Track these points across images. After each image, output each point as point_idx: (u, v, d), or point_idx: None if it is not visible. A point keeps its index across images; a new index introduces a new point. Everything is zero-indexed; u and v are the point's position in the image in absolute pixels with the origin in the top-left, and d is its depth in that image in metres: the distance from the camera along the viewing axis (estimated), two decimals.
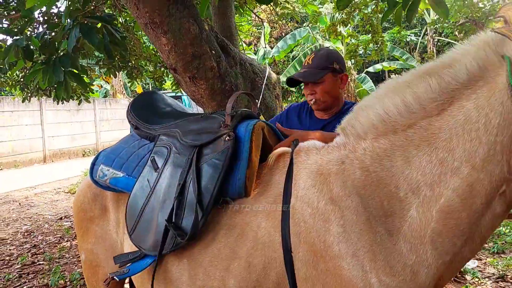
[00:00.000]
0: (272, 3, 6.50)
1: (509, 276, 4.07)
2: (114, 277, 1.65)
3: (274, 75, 3.60)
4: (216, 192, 1.47)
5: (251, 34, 13.81)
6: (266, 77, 3.45)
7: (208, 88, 3.07)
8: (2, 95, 15.83)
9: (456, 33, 9.03)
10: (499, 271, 4.12)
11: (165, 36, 2.84)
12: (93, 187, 1.87)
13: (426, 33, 15.34)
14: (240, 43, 8.32)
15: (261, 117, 2.65)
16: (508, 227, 5.14)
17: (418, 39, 16.38)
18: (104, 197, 1.87)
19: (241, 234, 1.46)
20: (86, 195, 1.93)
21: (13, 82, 7.31)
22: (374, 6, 7.45)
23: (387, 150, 1.29)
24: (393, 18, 3.05)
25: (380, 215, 1.27)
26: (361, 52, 9.54)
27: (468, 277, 4.06)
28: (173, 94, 10.09)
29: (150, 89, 19.31)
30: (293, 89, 17.72)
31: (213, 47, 3.03)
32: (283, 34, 17.61)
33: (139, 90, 19.14)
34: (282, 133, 1.76)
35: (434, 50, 14.68)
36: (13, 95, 14.77)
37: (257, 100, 3.11)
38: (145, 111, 1.84)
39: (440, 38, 13.48)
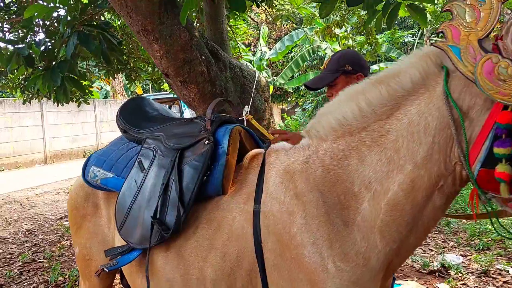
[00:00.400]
0: (267, 6, 6.65)
1: (492, 272, 4.22)
2: (105, 269, 1.81)
3: (263, 79, 3.76)
4: (196, 190, 1.62)
5: (250, 35, 13.98)
6: (255, 81, 3.60)
7: (199, 92, 3.23)
8: (3, 97, 16.01)
9: None
10: (482, 267, 4.27)
11: (157, 43, 2.99)
12: (86, 186, 2.03)
13: (423, 34, 15.47)
14: (237, 45, 8.48)
15: (253, 120, 2.81)
16: (495, 225, 5.28)
17: (415, 39, 16.51)
18: (96, 196, 2.03)
19: (218, 227, 1.62)
20: (79, 194, 2.09)
21: (14, 85, 7.48)
22: None
23: (344, 151, 1.44)
24: (373, 25, 3.21)
25: (338, 208, 1.42)
26: None
27: (452, 272, 4.21)
28: (171, 95, 10.23)
29: (150, 90, 19.47)
30: (290, 90, 17.88)
31: (203, 52, 3.19)
32: (282, 35, 17.77)
33: (139, 91, 19.30)
34: (261, 138, 1.91)
35: None
36: (14, 97, 14.96)
37: (247, 106, 3.27)
38: (133, 116, 1.99)
39: (438, 39, 13.60)
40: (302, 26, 11.98)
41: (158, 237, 1.64)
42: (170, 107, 12.17)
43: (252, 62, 13.24)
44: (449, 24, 1.23)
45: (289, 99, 21.42)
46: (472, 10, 1.20)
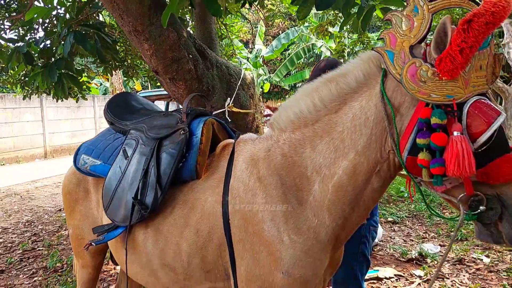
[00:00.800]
0: (259, 5, 6.86)
1: (466, 260, 4.45)
2: (92, 243, 2.04)
3: (248, 77, 3.97)
4: (172, 175, 1.84)
5: (247, 32, 14.20)
6: (241, 78, 3.83)
7: (187, 88, 3.44)
8: (4, 92, 16.23)
9: None
10: (458, 256, 4.51)
11: (147, 43, 3.21)
12: (77, 173, 2.25)
13: None
14: (231, 43, 8.69)
15: (233, 108, 3.03)
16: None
17: None
18: (86, 182, 2.25)
19: (192, 207, 1.84)
20: (71, 180, 2.31)
21: (14, 80, 7.69)
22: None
23: (300, 140, 1.66)
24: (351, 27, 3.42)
25: (293, 189, 1.64)
26: (348, 50, 9.92)
27: (428, 260, 4.44)
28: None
29: (149, 87, 19.69)
30: (287, 87, 18.09)
31: (190, 51, 3.40)
32: (280, 32, 17.95)
33: (138, 87, 19.51)
34: (233, 130, 2.13)
35: None
36: (15, 93, 15.19)
37: (229, 98, 3.49)
38: (119, 109, 2.21)
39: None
40: (298, 24, 12.19)
41: (138, 215, 1.87)
42: (168, 104, 12.37)
43: (249, 60, 13.43)
44: (388, 32, 1.45)
45: (286, 96, 21.64)
46: (407, 20, 1.41)
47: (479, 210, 1.35)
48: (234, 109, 2.92)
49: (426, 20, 1.37)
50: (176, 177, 1.87)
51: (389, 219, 5.92)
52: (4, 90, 16.77)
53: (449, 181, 1.37)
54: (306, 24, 12.44)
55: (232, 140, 1.95)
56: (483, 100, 1.30)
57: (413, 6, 1.40)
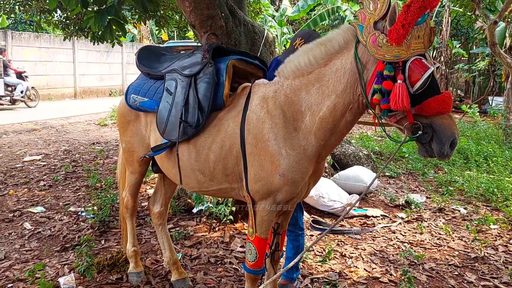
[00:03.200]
0: None
1: (446, 210, 5.14)
2: (146, 156, 2.78)
3: (270, 36, 4.59)
4: (212, 97, 2.49)
5: None
6: (264, 38, 4.45)
7: (218, 42, 4.09)
8: (38, 32, 16.92)
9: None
10: (439, 205, 5.20)
11: (188, 1, 3.85)
12: None
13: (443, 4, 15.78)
14: (258, 0, 9.15)
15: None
16: (461, 176, 6.18)
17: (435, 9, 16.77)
18: None
19: (219, 130, 2.53)
20: (125, 106, 3.01)
21: (56, 22, 8.37)
22: None
23: (298, 85, 2.32)
24: None
25: (291, 120, 2.32)
26: None
27: (412, 206, 5.14)
28: (195, 43, 11.02)
29: (175, 37, 20.21)
30: None
31: (223, 10, 4.03)
32: None
33: (164, 37, 20.04)
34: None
35: (449, 20, 15.16)
36: (48, 33, 15.91)
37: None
38: (149, 61, 2.81)
39: (453, 8, 13.95)
40: None
41: (189, 132, 2.52)
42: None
43: (274, 18, 13.82)
44: (361, 11, 2.07)
45: None
46: (374, 2, 2.03)
47: (418, 134, 1.99)
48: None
49: (386, 3, 1.97)
50: (213, 103, 2.51)
51: (387, 174, 6.58)
52: (38, 30, 17.45)
53: (398, 114, 2.02)
54: None
55: (249, 84, 2.61)
56: (419, 59, 1.93)
57: None
